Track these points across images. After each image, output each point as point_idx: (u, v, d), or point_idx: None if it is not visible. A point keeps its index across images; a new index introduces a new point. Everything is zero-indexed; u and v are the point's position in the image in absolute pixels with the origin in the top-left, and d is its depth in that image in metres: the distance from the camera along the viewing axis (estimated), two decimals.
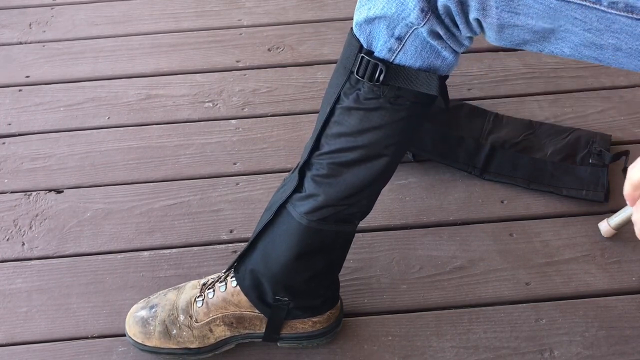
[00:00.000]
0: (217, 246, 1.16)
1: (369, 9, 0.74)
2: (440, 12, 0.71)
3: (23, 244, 1.18)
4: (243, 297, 0.96)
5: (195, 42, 1.55)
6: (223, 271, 1.00)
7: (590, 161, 1.22)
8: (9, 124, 1.38)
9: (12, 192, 1.26)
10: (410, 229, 1.17)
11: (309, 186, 0.86)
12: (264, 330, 0.98)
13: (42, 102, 1.42)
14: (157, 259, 1.15)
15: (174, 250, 1.16)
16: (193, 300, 0.99)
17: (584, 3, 0.64)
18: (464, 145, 1.25)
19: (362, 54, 0.77)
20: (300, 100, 1.41)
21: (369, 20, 0.75)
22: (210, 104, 1.41)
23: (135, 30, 1.59)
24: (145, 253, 1.15)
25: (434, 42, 0.73)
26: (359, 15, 0.76)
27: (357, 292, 1.08)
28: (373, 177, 0.84)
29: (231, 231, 1.18)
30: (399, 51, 0.75)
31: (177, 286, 1.03)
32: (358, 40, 0.78)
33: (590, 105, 1.37)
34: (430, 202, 1.21)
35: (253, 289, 0.95)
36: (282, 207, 0.89)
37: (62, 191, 1.25)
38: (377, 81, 0.77)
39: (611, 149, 1.26)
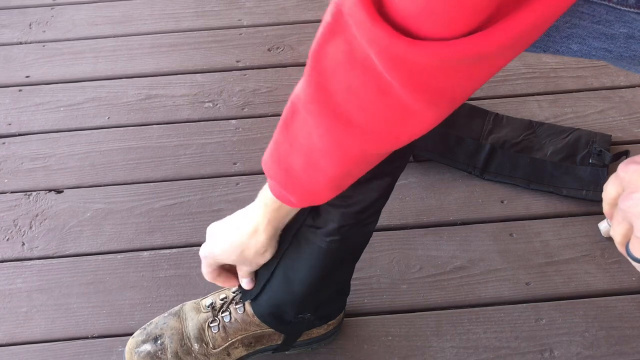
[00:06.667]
0: None
1: None
2: None
3: (23, 244, 1.18)
4: None
5: (195, 42, 1.55)
6: (232, 291, 0.96)
7: (590, 161, 1.22)
8: (9, 124, 1.38)
9: (12, 192, 1.26)
10: (410, 229, 1.17)
11: (322, 209, 0.83)
12: (279, 342, 0.95)
13: (42, 102, 1.42)
14: (157, 259, 1.14)
15: (174, 250, 1.16)
16: (206, 325, 0.93)
17: None
18: (464, 145, 1.25)
19: None
20: None
21: None
22: (210, 104, 1.40)
23: (135, 30, 1.59)
24: (145, 253, 1.15)
25: None
26: None
27: (357, 292, 1.08)
28: (381, 192, 0.83)
29: None
30: None
31: (171, 311, 0.97)
32: None
33: (590, 105, 1.37)
34: (430, 202, 1.21)
35: (270, 315, 0.92)
36: (299, 232, 0.86)
37: (62, 191, 1.25)
38: None
39: (611, 149, 1.26)
